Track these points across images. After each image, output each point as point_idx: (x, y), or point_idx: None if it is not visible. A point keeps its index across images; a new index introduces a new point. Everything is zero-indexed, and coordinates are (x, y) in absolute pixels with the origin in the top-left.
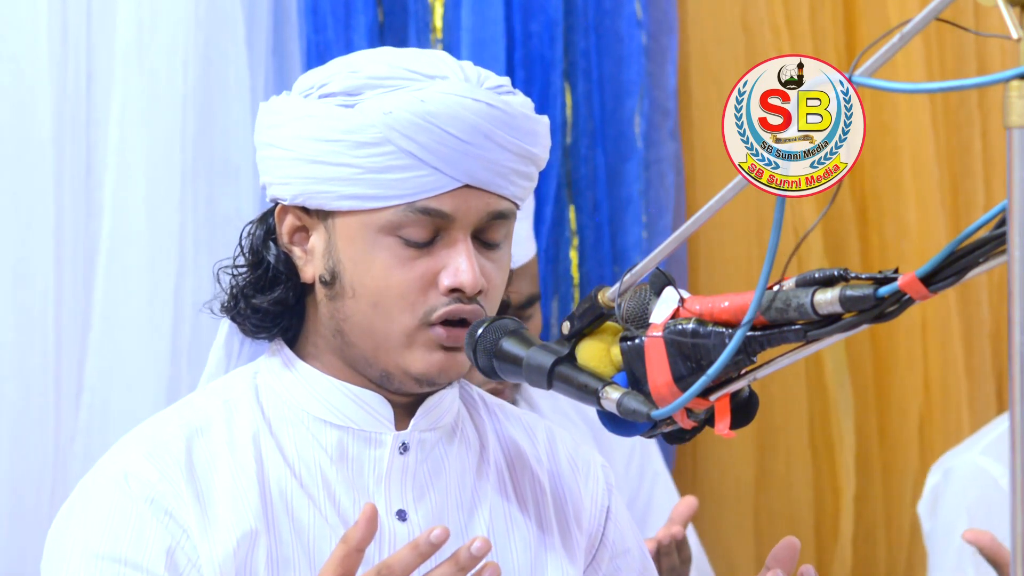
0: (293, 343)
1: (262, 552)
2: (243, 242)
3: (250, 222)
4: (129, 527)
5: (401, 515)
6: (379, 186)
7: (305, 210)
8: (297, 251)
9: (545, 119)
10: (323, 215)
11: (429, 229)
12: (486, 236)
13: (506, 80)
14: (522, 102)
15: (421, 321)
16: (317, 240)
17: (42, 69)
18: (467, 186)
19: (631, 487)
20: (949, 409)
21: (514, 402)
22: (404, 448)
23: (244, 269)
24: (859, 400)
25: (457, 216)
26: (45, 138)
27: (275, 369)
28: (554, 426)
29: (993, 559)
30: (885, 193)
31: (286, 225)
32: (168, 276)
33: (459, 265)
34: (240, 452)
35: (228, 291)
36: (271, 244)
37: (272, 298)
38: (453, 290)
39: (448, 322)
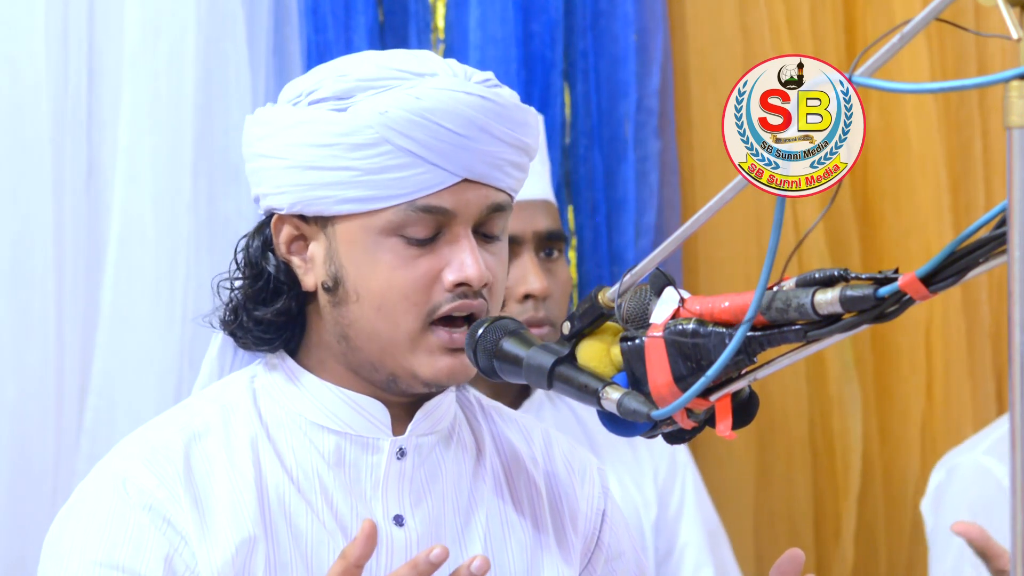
0: (294, 353)
1: (260, 558)
2: (239, 255)
3: (245, 235)
4: (127, 534)
5: (398, 520)
6: (378, 187)
7: (303, 218)
8: (296, 260)
9: (534, 110)
10: (322, 221)
11: (431, 226)
12: (485, 229)
13: (491, 74)
14: (511, 94)
15: (425, 321)
16: (317, 248)
17: (40, 70)
18: (465, 180)
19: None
20: (950, 409)
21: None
22: (401, 453)
23: (242, 282)
24: (861, 400)
25: (458, 211)
26: (43, 138)
27: (273, 375)
28: (551, 429)
29: (982, 552)
30: (885, 193)
31: (283, 235)
32: (175, 278)
33: (464, 260)
34: (238, 458)
35: (227, 305)
36: (270, 255)
37: (275, 309)
38: (458, 285)
39: (452, 321)
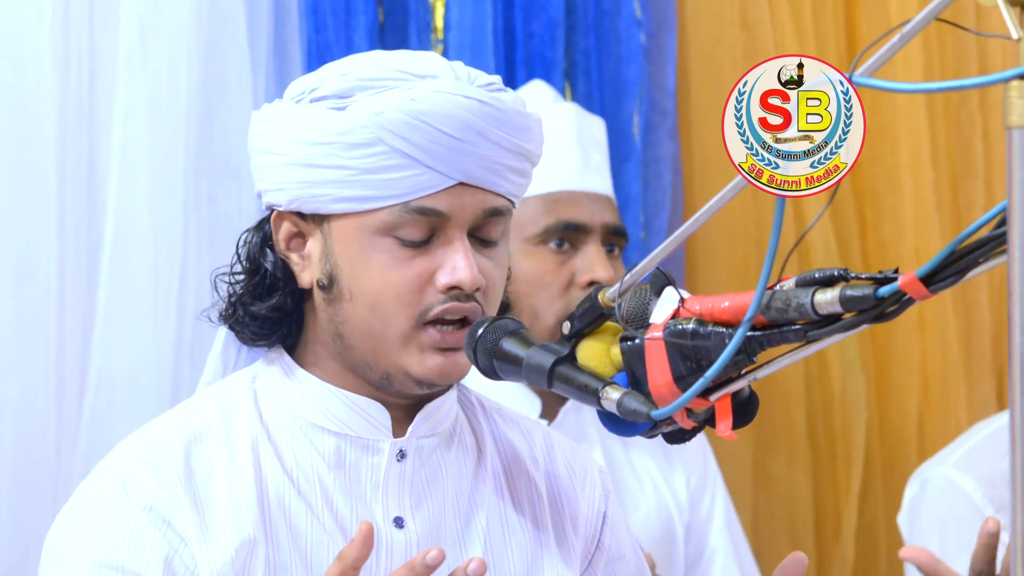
0: (292, 350)
1: (260, 560)
2: (240, 250)
3: (247, 230)
4: (127, 535)
5: (398, 522)
6: (373, 187)
7: (301, 215)
8: (294, 257)
9: (538, 115)
10: (319, 219)
11: (425, 228)
12: (483, 233)
13: (497, 78)
14: (514, 98)
15: (417, 321)
16: (314, 245)
17: (45, 69)
18: (462, 184)
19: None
20: (949, 408)
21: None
22: (402, 455)
23: (242, 277)
24: (865, 398)
25: (452, 214)
26: (49, 138)
27: (274, 375)
28: (552, 430)
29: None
30: (885, 193)
31: (282, 231)
32: (171, 277)
33: (456, 263)
34: (239, 459)
35: (226, 299)
36: (268, 251)
37: (270, 305)
38: (451, 288)
39: (445, 323)
